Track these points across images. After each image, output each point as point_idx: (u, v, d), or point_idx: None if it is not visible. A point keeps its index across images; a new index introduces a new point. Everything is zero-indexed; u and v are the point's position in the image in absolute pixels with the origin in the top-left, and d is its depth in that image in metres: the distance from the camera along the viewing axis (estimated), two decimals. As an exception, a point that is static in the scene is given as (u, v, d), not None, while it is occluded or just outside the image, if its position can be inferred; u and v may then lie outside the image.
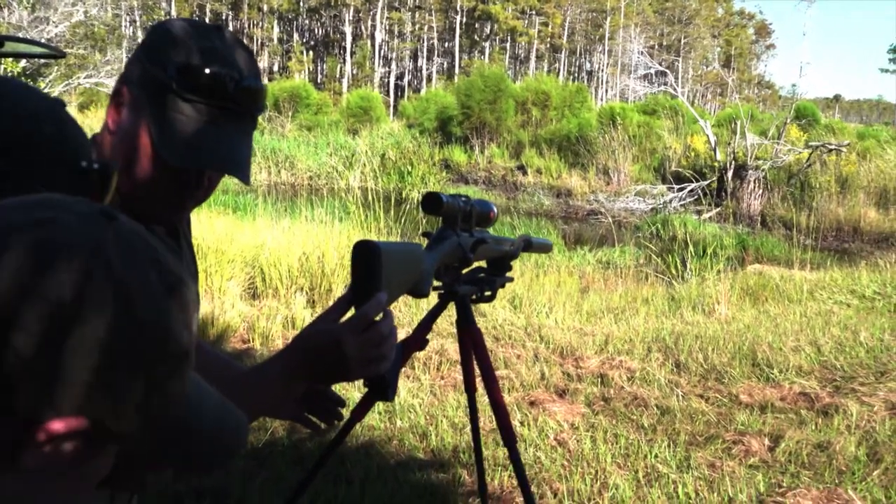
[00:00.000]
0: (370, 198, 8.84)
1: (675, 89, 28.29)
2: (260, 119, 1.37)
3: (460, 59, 71.59)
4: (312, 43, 76.97)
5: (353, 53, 66.69)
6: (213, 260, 6.94)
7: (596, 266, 11.46)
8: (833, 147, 20.63)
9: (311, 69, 71.62)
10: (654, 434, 4.30)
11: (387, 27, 72.30)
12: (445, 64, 75.75)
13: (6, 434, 0.62)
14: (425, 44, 74.52)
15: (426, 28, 74.03)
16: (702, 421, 4.51)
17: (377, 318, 1.24)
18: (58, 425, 0.62)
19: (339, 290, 7.01)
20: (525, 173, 26.23)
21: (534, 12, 74.34)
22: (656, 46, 79.96)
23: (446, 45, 76.24)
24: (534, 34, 74.22)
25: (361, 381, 1.36)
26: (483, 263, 1.94)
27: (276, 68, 69.85)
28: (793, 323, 6.89)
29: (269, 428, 4.04)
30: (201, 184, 1.30)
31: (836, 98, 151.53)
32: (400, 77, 74.01)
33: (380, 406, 4.27)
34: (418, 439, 4.13)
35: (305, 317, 6.24)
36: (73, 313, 0.59)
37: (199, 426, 0.81)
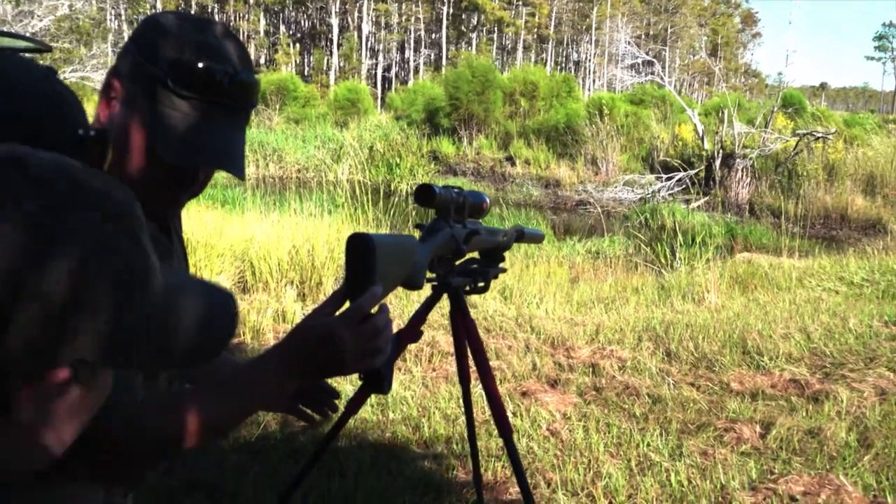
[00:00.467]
0: (359, 190, 8.83)
1: (662, 79, 28.30)
2: None
3: (447, 50, 71.46)
4: (299, 35, 76.71)
5: (340, 45, 66.47)
6: (203, 254, 6.92)
7: (585, 256, 11.48)
8: (820, 135, 20.70)
9: (297, 62, 71.35)
10: (646, 423, 4.32)
11: (373, 19, 72.11)
12: (433, 55, 75.63)
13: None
14: (412, 35, 74.38)
15: (413, 19, 73.88)
16: (693, 409, 4.52)
17: (372, 312, 1.24)
18: (51, 379, 0.63)
19: (329, 283, 7.00)
20: (513, 164, 26.23)
21: (521, 3, 74.30)
22: (643, 36, 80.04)
23: (433, 36, 76.11)
24: (521, 24, 74.18)
25: (355, 375, 1.36)
26: (476, 255, 1.95)
27: (262, 61, 69.54)
28: (782, 310, 6.92)
29: (261, 422, 4.03)
30: (196, 179, 1.29)
31: (823, 86, 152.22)
32: (387, 69, 73.85)
33: (372, 398, 4.27)
34: (411, 431, 4.13)
35: (296, 310, 6.23)
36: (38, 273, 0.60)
37: (189, 320, 0.79)
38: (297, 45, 74.12)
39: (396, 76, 73.40)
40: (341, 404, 3.74)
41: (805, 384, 4.92)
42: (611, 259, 10.71)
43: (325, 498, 3.34)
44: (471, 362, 2.09)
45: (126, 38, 1.40)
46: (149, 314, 0.70)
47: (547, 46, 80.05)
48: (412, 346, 5.20)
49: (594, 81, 74.92)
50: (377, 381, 1.36)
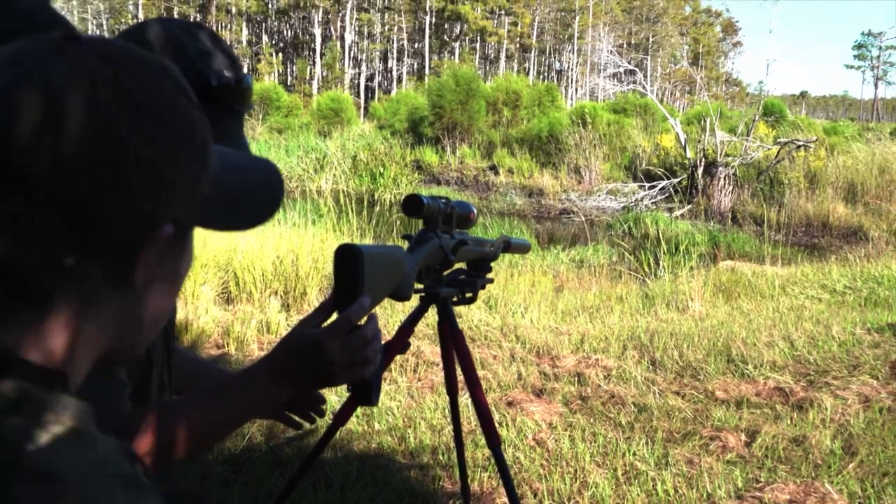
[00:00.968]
0: (342, 200, 8.81)
1: (644, 88, 28.43)
2: None
3: (430, 59, 71.61)
4: (282, 45, 76.70)
5: (322, 55, 66.49)
6: (186, 265, 6.87)
7: (569, 265, 11.51)
8: (801, 143, 20.84)
9: (280, 71, 71.34)
10: (632, 432, 4.32)
11: (356, 28, 72.18)
12: (415, 65, 75.79)
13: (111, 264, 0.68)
14: (395, 45, 74.49)
15: (396, 29, 74.01)
16: (679, 418, 4.53)
17: (361, 323, 1.23)
18: (161, 234, 0.70)
19: (313, 293, 6.98)
20: (497, 173, 26.24)
21: (503, 12, 74.58)
22: (625, 45, 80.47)
23: (416, 45, 76.28)
24: (503, 34, 74.42)
25: (341, 386, 1.35)
26: (463, 265, 1.94)
27: (245, 71, 69.33)
28: (766, 318, 6.95)
29: (246, 433, 4.01)
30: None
31: (803, 94, 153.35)
32: (370, 78, 73.91)
33: (357, 409, 4.25)
34: (397, 442, 4.12)
35: (280, 321, 6.21)
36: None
37: (250, 180, 0.92)
38: (280, 54, 74.11)
39: (379, 86, 73.48)
40: (326, 416, 3.72)
41: (789, 392, 4.94)
42: (595, 268, 10.73)
43: (311, 510, 3.32)
44: (458, 373, 2.08)
45: None
46: (217, 178, 0.77)
47: (529, 56, 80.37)
48: (398, 357, 5.19)
49: (576, 90, 75.21)
50: (365, 393, 1.35)
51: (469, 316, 6.51)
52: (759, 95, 34.62)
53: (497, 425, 4.29)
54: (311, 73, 66.72)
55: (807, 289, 8.58)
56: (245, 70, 1.33)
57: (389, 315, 6.30)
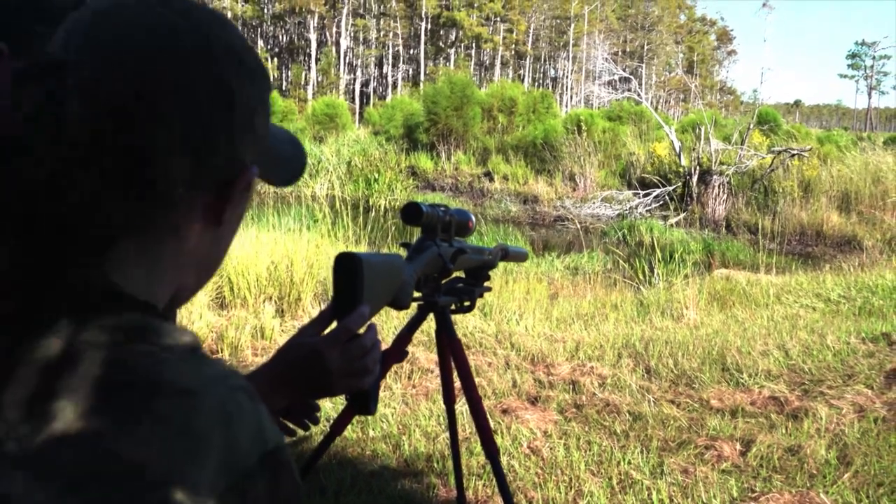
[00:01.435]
0: (337, 205, 8.80)
1: (639, 95, 28.49)
2: None
3: (426, 65, 71.69)
4: (277, 50, 76.70)
5: (318, 60, 66.50)
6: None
7: (564, 272, 11.51)
8: (795, 152, 20.88)
9: (275, 76, 71.31)
10: (627, 440, 4.31)
11: (352, 34, 72.24)
12: (411, 71, 75.87)
13: (209, 199, 0.76)
14: (390, 51, 74.56)
15: (391, 35, 74.09)
16: (674, 426, 4.52)
17: (360, 331, 1.22)
18: (249, 175, 0.79)
19: (307, 298, 6.96)
20: (492, 180, 26.25)
21: (498, 19, 74.72)
22: (620, 53, 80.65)
23: (411, 51, 76.37)
24: (498, 41, 74.58)
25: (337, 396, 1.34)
26: (461, 273, 1.93)
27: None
28: (760, 327, 6.95)
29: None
30: None
31: (797, 103, 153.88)
32: (365, 84, 73.97)
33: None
34: (391, 449, 4.10)
35: (275, 326, 6.19)
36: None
37: (282, 139, 1.00)
38: (275, 59, 74.10)
39: (374, 91, 73.54)
40: (323, 424, 3.71)
41: (784, 401, 4.93)
42: (589, 275, 10.73)
43: (305, 517, 3.31)
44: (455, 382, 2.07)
45: None
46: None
47: (525, 62, 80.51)
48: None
49: (571, 98, 75.35)
50: (363, 402, 1.34)
51: (464, 323, 6.50)
52: (754, 104, 34.74)
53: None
54: (306, 79, 66.72)
55: (801, 298, 8.58)
56: None
57: (385, 322, 6.28)
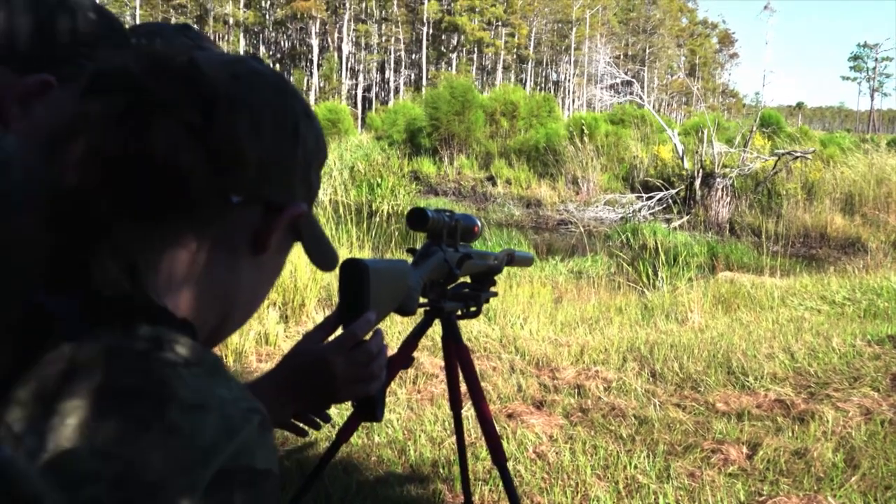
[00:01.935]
0: (341, 211, 8.80)
1: (641, 98, 28.47)
2: None
3: (427, 70, 71.75)
4: (279, 56, 76.80)
5: (320, 66, 66.60)
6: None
7: (568, 276, 11.50)
8: (798, 154, 20.85)
9: (278, 82, 71.28)
10: (633, 444, 4.29)
11: (354, 39, 72.34)
12: (413, 76, 75.94)
13: (256, 223, 0.80)
14: (392, 56, 74.64)
15: (393, 40, 74.18)
16: (680, 430, 4.51)
17: (366, 338, 1.22)
18: (298, 209, 0.84)
19: (311, 304, 6.95)
20: (495, 184, 26.24)
21: (500, 23, 74.79)
22: (622, 56, 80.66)
23: (413, 56, 76.43)
24: (500, 45, 74.64)
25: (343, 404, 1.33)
26: (467, 279, 1.92)
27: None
28: (765, 330, 6.93)
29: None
30: None
31: (799, 105, 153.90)
32: (367, 89, 74.04)
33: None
34: (397, 454, 4.09)
35: (279, 332, 6.18)
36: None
37: None
38: (278, 65, 74.17)
39: (377, 96, 73.62)
40: (329, 430, 3.70)
41: (790, 404, 4.92)
42: (593, 279, 10.72)
43: (311, 524, 3.30)
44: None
45: None
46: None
47: (526, 67, 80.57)
48: (397, 369, 5.16)
49: (574, 101, 75.35)
50: (370, 409, 1.33)
51: (468, 327, 6.49)
52: (756, 106, 34.69)
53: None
54: (308, 84, 66.80)
55: (806, 300, 8.57)
56: None
57: (390, 327, 6.28)
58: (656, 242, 13.40)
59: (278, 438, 4.09)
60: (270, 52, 75.78)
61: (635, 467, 3.97)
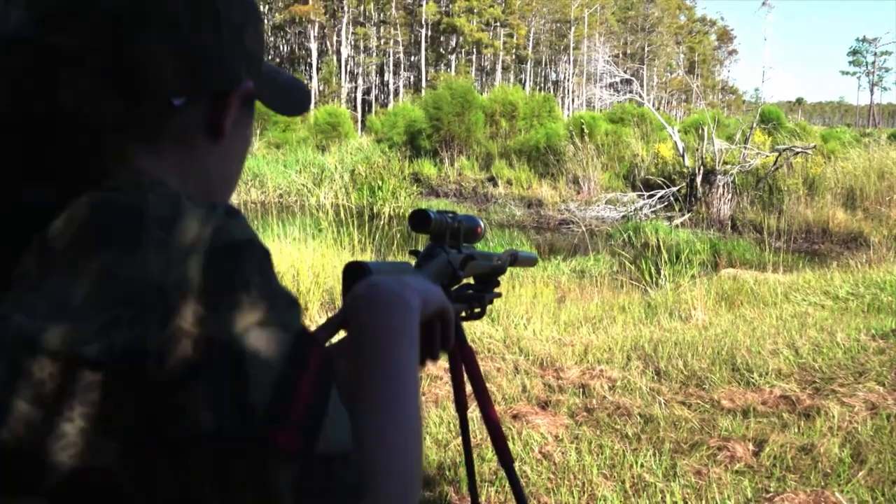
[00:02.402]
0: (342, 214, 8.80)
1: (641, 97, 28.46)
2: None
3: (427, 72, 71.76)
4: (278, 60, 76.80)
5: (319, 69, 66.57)
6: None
7: (570, 275, 11.50)
8: (799, 150, 20.83)
9: (277, 86, 71.29)
10: (639, 443, 4.29)
11: (352, 42, 72.35)
12: (412, 78, 75.96)
13: (206, 113, 0.82)
14: (391, 58, 74.64)
15: (392, 42, 74.19)
16: (685, 428, 4.50)
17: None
18: (243, 88, 0.84)
19: (314, 308, 6.95)
20: (495, 185, 26.23)
21: (498, 24, 74.79)
22: (620, 55, 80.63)
23: (412, 58, 76.46)
24: (499, 46, 74.62)
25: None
26: (470, 280, 1.91)
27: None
28: (769, 326, 6.92)
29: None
30: None
31: (799, 101, 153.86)
32: (367, 92, 74.04)
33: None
34: (402, 457, 4.08)
35: (282, 336, 6.17)
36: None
37: (290, 79, 1.05)
38: (277, 69, 74.09)
39: (376, 99, 73.61)
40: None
41: (796, 400, 4.91)
42: (596, 278, 10.72)
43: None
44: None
45: None
46: (273, 69, 0.97)
47: (525, 67, 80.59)
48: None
49: (573, 101, 75.33)
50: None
51: (472, 328, 6.49)
52: (756, 103, 34.70)
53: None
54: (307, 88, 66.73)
55: (809, 296, 8.56)
56: None
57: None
58: (658, 240, 13.37)
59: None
60: (269, 56, 75.76)
61: (641, 466, 3.97)
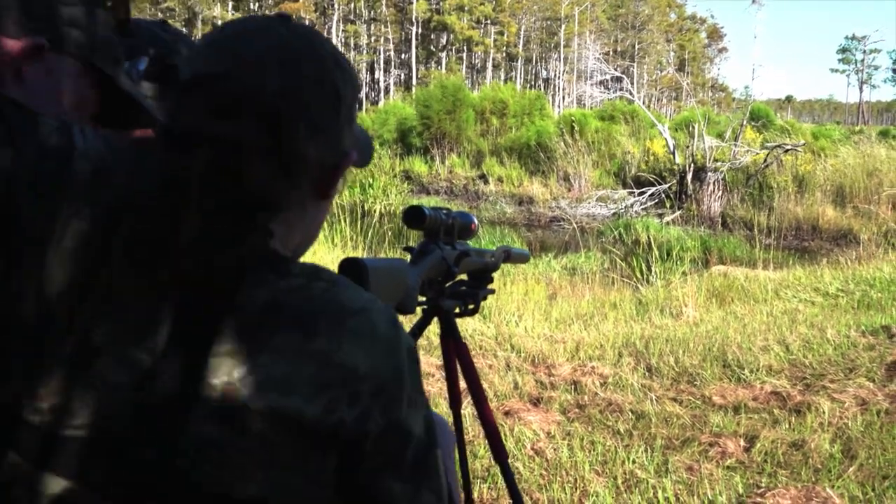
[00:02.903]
0: (336, 211, 8.79)
1: (631, 94, 28.50)
2: None
3: (417, 70, 71.69)
4: (268, 58, 76.52)
5: (309, 67, 66.42)
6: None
7: (562, 273, 11.50)
8: (789, 147, 20.89)
9: (267, 84, 71.14)
10: (631, 439, 4.30)
11: (343, 40, 72.22)
12: (402, 75, 75.89)
13: (320, 180, 0.97)
14: (382, 56, 74.56)
15: (382, 40, 74.09)
16: (677, 424, 4.52)
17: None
18: (349, 160, 0.99)
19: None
20: (486, 182, 26.24)
21: (489, 21, 74.74)
22: (611, 52, 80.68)
23: (403, 56, 76.39)
24: (490, 43, 74.57)
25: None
26: (464, 276, 1.92)
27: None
28: (760, 323, 6.95)
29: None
30: None
31: (789, 99, 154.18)
32: (357, 90, 73.80)
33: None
34: (395, 454, 4.08)
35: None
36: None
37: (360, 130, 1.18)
38: (267, 67, 73.92)
39: (367, 97, 73.46)
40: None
41: (787, 396, 4.93)
42: (587, 275, 10.73)
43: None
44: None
45: None
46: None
47: (516, 64, 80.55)
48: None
49: (564, 98, 75.30)
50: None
51: (464, 325, 6.49)
52: (746, 100, 34.75)
53: (495, 436, 4.26)
54: (298, 86, 66.60)
55: (800, 292, 8.59)
56: None
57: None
58: (649, 237, 13.40)
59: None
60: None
61: (633, 462, 3.98)
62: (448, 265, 1.65)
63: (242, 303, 0.83)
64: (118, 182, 0.90)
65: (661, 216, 19.94)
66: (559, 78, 78.24)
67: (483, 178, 26.65)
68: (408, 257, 1.61)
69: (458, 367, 2.01)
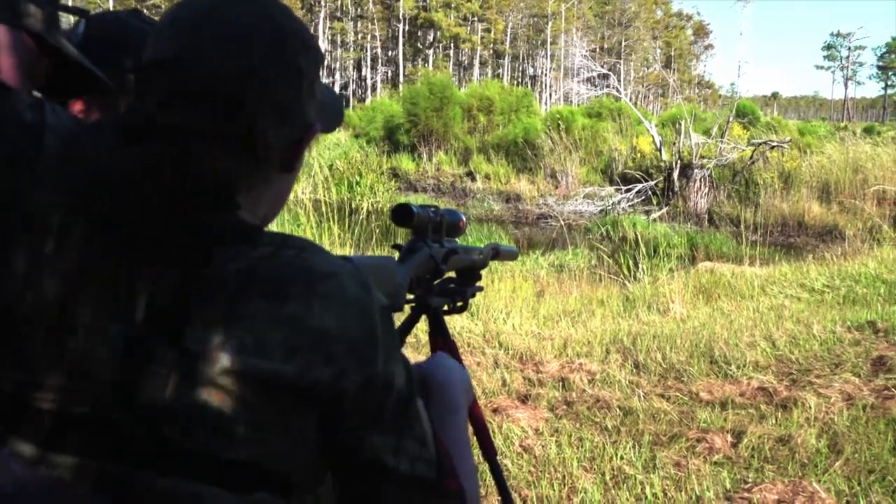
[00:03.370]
0: (322, 209, 8.77)
1: (618, 91, 28.56)
2: None
3: (404, 67, 71.63)
4: (255, 55, 76.33)
5: (296, 64, 66.26)
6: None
7: (549, 270, 11.52)
8: (775, 144, 20.97)
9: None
10: (619, 436, 4.32)
11: (329, 37, 72.11)
12: (390, 73, 75.82)
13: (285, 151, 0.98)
14: (369, 53, 74.46)
15: (369, 37, 74.01)
16: (664, 420, 4.53)
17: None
18: (314, 132, 1.00)
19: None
20: (474, 179, 26.24)
21: (476, 19, 74.75)
22: (598, 49, 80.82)
23: (390, 53, 76.32)
24: (476, 40, 74.61)
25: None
26: (452, 274, 1.92)
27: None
28: (746, 319, 6.98)
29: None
30: None
31: (775, 95, 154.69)
32: (344, 87, 73.83)
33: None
34: (383, 452, 4.08)
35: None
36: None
37: (331, 95, 1.20)
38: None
39: (354, 94, 73.40)
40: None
41: (773, 392, 4.96)
42: (575, 272, 10.75)
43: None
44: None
45: None
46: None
47: (503, 62, 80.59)
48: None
49: (551, 95, 75.40)
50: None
51: (452, 323, 6.49)
52: (732, 97, 34.87)
53: (484, 432, 4.27)
54: (285, 83, 66.39)
55: (786, 288, 8.63)
56: None
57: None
58: (636, 234, 13.41)
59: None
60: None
61: (621, 458, 3.99)
62: (436, 263, 1.65)
63: (217, 273, 0.85)
64: (89, 158, 0.90)
65: (647, 213, 19.99)
66: (546, 75, 78.33)
67: (470, 175, 26.65)
68: (396, 255, 1.61)
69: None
